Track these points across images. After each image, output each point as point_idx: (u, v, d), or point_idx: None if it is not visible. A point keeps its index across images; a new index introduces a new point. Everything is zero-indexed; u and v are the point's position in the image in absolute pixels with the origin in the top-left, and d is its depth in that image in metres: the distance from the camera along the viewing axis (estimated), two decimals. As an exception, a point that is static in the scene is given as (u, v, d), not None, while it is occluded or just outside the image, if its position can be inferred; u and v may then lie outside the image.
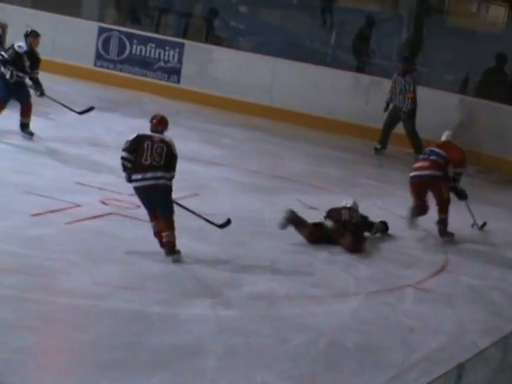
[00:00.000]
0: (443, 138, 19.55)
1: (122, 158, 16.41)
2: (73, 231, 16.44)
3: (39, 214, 16.84)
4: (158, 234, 16.16)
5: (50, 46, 24.51)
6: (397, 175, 23.27)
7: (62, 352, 12.82)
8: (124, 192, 18.23)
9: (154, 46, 26.98)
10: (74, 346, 12.67)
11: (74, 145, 21.76)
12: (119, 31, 27.31)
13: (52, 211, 17.10)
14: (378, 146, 25.21)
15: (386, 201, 21.18)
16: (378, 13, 29.88)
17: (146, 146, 16.45)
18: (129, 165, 16.35)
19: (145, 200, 16.51)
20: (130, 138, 16.47)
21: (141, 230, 16.92)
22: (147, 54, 27.29)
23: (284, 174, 22.23)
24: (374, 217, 19.01)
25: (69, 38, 26.77)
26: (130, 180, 16.48)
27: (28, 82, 21.74)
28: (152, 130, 16.79)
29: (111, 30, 27.35)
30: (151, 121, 17.10)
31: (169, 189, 16.45)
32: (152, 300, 14.35)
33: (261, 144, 24.57)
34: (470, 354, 11.08)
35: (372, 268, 16.84)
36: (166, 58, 26.86)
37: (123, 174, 16.97)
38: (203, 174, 20.90)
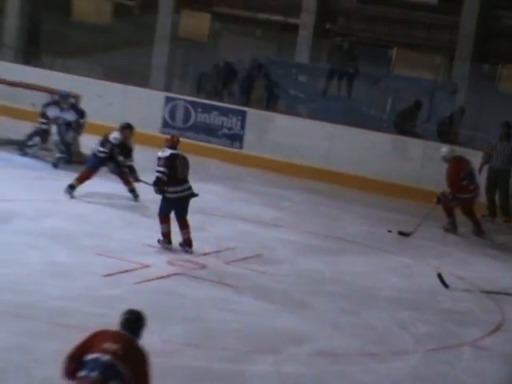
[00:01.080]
0: None
1: (161, 172, 18.61)
2: (141, 291, 16.45)
3: (110, 275, 16.90)
4: (166, 235, 18.79)
5: (119, 114, 24.51)
6: (455, 237, 23.33)
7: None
8: (193, 255, 18.46)
9: (217, 113, 27.07)
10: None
11: (142, 208, 22.10)
12: (185, 100, 27.42)
13: (122, 272, 17.17)
14: (489, 218, 24.72)
15: (441, 260, 20.63)
16: (431, 81, 29.59)
17: (178, 163, 18.80)
18: (165, 178, 18.62)
19: (177, 207, 18.93)
20: (164, 157, 18.80)
21: (206, 289, 16.98)
22: (211, 122, 27.29)
23: (342, 235, 22.12)
24: (429, 275, 19.06)
25: (137, 107, 26.92)
26: (161, 192, 18.79)
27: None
28: (173, 147, 19.29)
29: (177, 99, 27.46)
30: (170, 140, 20.05)
31: None
32: (218, 357, 14.31)
33: (319, 206, 24.55)
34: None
35: (429, 325, 16.73)
36: (229, 125, 26.94)
37: (199, 235, 18.89)
38: (265, 235, 20.92)
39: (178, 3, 29.38)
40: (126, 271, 17.21)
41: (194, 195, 19.36)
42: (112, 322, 15.08)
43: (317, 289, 17.70)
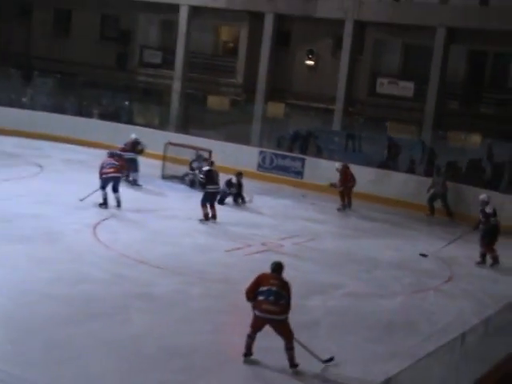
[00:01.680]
0: None
1: (202, 178, 20.29)
2: (248, 259, 16.77)
3: (228, 251, 17.26)
4: (205, 216, 19.56)
5: (234, 160, 24.72)
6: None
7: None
8: (276, 239, 18.55)
9: (289, 159, 26.82)
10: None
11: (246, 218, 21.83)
12: (270, 152, 27.37)
13: (236, 249, 17.49)
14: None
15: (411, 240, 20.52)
16: (409, 139, 28.39)
17: (214, 173, 20.18)
18: (205, 181, 19.97)
19: (210, 198, 19.86)
20: (205, 170, 20.32)
21: (283, 258, 17.09)
22: (285, 164, 26.81)
23: (358, 226, 21.73)
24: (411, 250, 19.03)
25: (243, 156, 26.76)
26: (204, 187, 20.03)
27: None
28: (210, 165, 20.75)
29: (265, 151, 27.42)
30: (209, 162, 21.53)
31: None
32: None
33: (347, 211, 24.07)
34: None
35: (410, 278, 16.81)
36: (295, 166, 26.71)
37: (278, 228, 19.39)
38: (317, 228, 20.79)
39: (266, 98, 29.26)
40: (239, 248, 17.57)
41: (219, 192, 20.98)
42: (232, 277, 15.51)
43: (345, 258, 17.93)
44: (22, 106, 30.77)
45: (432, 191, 23.72)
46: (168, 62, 31.41)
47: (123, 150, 23.24)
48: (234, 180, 22.55)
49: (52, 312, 12.39)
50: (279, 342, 11.23)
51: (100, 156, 27.05)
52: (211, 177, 20.16)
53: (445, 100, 27.40)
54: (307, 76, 30.39)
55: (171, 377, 10.61)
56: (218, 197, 21.04)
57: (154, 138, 25.04)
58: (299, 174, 26.77)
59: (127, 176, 22.89)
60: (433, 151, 26.17)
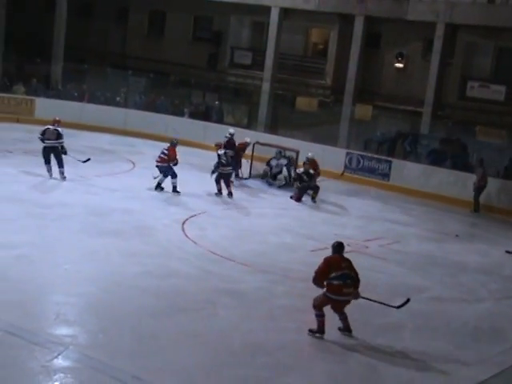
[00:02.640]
0: None
1: (221, 158, 21.82)
2: None
3: (313, 251, 17.17)
4: (219, 190, 21.54)
5: (321, 159, 24.20)
6: None
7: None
8: (361, 240, 18.47)
9: (375, 161, 26.58)
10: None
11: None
12: (357, 154, 27.20)
13: (321, 249, 17.36)
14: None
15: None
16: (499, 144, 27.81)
17: (227, 155, 22.02)
18: (225, 162, 21.69)
19: (225, 177, 21.62)
20: (221, 152, 21.90)
21: (368, 260, 17.02)
22: (372, 166, 26.58)
23: (446, 230, 21.27)
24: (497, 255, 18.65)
25: (330, 157, 26.57)
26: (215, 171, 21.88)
27: None
28: (226, 148, 22.59)
29: (352, 153, 27.30)
30: (222, 145, 22.81)
31: None
32: (374, 297, 14.56)
33: (431, 214, 23.68)
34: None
35: (497, 284, 16.50)
36: (382, 168, 26.45)
37: (363, 229, 19.51)
38: (402, 230, 20.57)
39: (354, 99, 29.15)
40: (324, 248, 17.45)
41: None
42: (310, 277, 15.35)
43: (430, 261, 17.70)
44: (116, 105, 31.30)
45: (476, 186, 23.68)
46: (258, 63, 31.54)
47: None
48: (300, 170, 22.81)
49: (141, 304, 12.60)
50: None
51: (189, 153, 27.55)
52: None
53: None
54: (396, 78, 30.15)
55: (255, 373, 10.64)
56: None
57: (242, 138, 25.08)
58: (386, 176, 26.52)
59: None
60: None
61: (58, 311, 11.86)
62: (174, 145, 21.43)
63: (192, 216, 18.91)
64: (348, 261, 12.19)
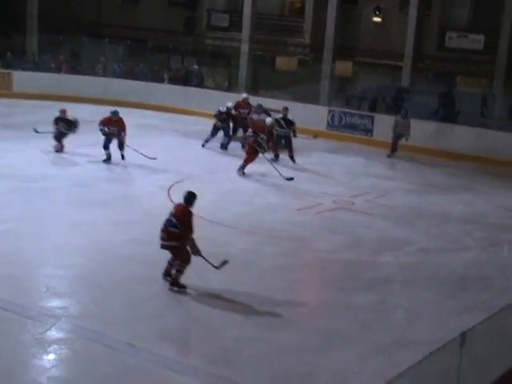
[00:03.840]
0: None
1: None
2: (319, 218, 16.80)
3: (301, 209, 17.26)
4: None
5: (303, 118, 24.03)
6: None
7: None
8: (347, 197, 18.49)
9: (357, 117, 26.65)
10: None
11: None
12: (339, 111, 27.19)
13: (308, 207, 17.49)
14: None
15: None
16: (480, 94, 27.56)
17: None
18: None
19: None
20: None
21: (354, 216, 17.20)
22: (354, 122, 26.67)
23: (430, 182, 21.53)
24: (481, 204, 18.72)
25: (313, 116, 26.59)
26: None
27: None
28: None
29: (334, 110, 27.27)
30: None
31: None
32: (363, 253, 14.62)
33: (417, 168, 23.78)
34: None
35: (482, 233, 16.55)
36: (365, 124, 26.50)
37: (349, 186, 19.45)
38: (386, 184, 20.62)
39: (334, 57, 29.06)
40: (310, 207, 17.55)
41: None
42: (300, 235, 15.47)
43: (416, 213, 17.78)
44: (95, 74, 31.07)
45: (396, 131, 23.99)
46: (235, 25, 31.37)
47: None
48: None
49: (129, 272, 12.63)
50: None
51: (171, 119, 27.43)
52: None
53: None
54: (375, 33, 30.06)
55: (247, 333, 10.71)
56: None
57: (223, 101, 24.96)
58: (369, 131, 26.54)
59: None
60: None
61: (48, 284, 11.89)
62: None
63: (177, 182, 18.86)
64: (178, 209, 11.99)
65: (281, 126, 21.80)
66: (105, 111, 27.55)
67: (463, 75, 27.83)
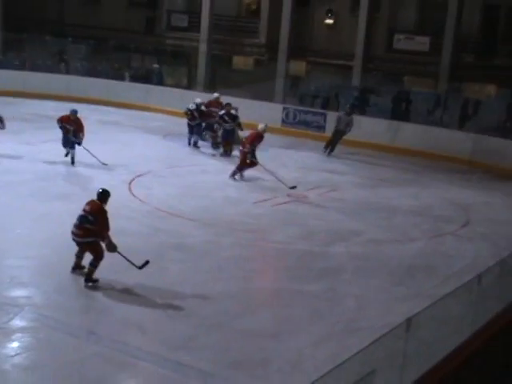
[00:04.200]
0: None
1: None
2: (275, 210, 16.85)
3: (257, 202, 17.30)
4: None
5: (259, 116, 23.84)
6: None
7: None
8: (300, 190, 18.50)
9: (311, 114, 26.58)
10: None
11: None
12: (293, 108, 27.22)
13: (263, 200, 17.53)
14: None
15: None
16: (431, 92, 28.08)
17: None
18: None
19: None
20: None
21: (308, 208, 17.25)
22: (308, 119, 26.61)
23: (382, 177, 21.64)
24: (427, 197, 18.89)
25: (268, 112, 26.40)
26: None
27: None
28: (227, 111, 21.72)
29: (289, 107, 27.29)
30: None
31: None
32: (315, 244, 14.63)
33: (367, 163, 23.76)
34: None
35: (428, 224, 16.78)
36: (318, 121, 26.50)
37: (302, 180, 18.82)
38: (338, 179, 20.67)
39: (288, 56, 29.01)
40: (265, 200, 17.59)
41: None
42: (257, 227, 15.47)
43: (366, 206, 17.92)
44: (58, 72, 30.76)
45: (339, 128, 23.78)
46: (194, 25, 31.25)
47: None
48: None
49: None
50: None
51: (132, 116, 27.28)
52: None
53: (460, 53, 26.86)
54: (327, 34, 30.19)
55: (206, 321, 10.71)
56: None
57: (183, 98, 24.93)
58: (321, 127, 26.55)
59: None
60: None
61: (11, 274, 11.74)
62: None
63: (138, 176, 18.81)
64: (93, 206, 11.60)
65: (225, 121, 21.88)
66: (67, 107, 27.52)
67: (410, 75, 28.02)
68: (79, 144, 19.03)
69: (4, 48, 31.76)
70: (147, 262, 11.76)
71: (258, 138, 19.23)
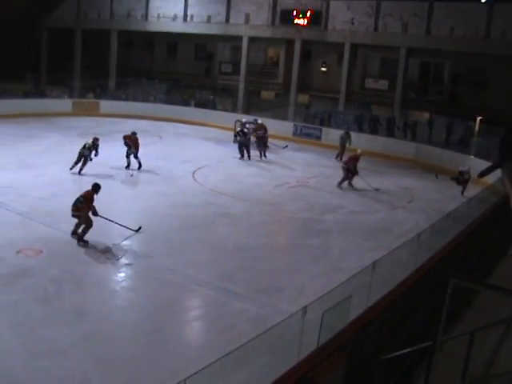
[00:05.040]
0: None
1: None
2: (288, 191, 16.62)
3: (277, 186, 17.12)
4: None
5: (277, 131, 23.50)
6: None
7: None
8: (305, 178, 18.29)
9: (311, 129, 26.06)
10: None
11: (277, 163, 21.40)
12: (300, 124, 26.77)
13: (280, 185, 17.33)
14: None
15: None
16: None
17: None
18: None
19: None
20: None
21: (310, 191, 16.88)
22: (309, 132, 26.01)
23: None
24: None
25: (282, 127, 26.12)
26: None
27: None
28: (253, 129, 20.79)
29: (297, 124, 26.91)
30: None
31: None
32: (305, 213, 14.37)
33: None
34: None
35: (387, 200, 16.39)
36: (316, 133, 25.95)
37: (306, 172, 18.45)
38: (330, 171, 20.52)
39: (297, 91, 28.65)
40: (281, 185, 17.41)
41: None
42: (276, 202, 15.24)
43: (347, 189, 17.37)
44: (149, 101, 30.90)
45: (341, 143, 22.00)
46: (236, 71, 31.02)
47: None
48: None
49: (170, 224, 12.64)
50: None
51: (195, 130, 27.20)
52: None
53: (406, 91, 26.51)
54: (322, 77, 29.67)
55: (240, 263, 10.71)
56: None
57: (228, 118, 24.77)
58: (318, 137, 26.15)
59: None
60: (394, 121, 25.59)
61: (119, 230, 11.83)
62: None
63: (199, 168, 18.78)
64: (85, 192, 11.08)
65: (239, 136, 20.77)
66: (153, 124, 27.60)
67: (375, 104, 27.61)
68: (133, 155, 17.30)
69: (116, 87, 32.12)
70: (140, 228, 11.49)
71: (355, 159, 17.39)
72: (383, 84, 27.45)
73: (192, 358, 7.18)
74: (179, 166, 18.80)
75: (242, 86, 30.08)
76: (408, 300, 7.11)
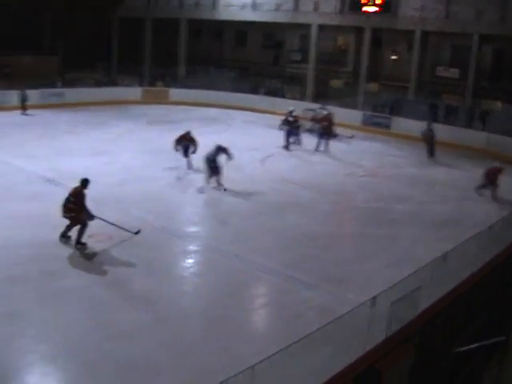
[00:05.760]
0: None
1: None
2: (356, 180, 16.11)
3: (347, 174, 16.77)
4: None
5: (345, 119, 23.15)
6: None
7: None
8: (373, 168, 17.79)
9: (381, 118, 25.49)
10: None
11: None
12: (369, 113, 26.24)
13: (349, 174, 16.92)
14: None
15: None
16: None
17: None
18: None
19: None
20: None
21: (377, 180, 16.51)
22: (378, 121, 25.45)
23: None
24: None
25: (352, 117, 25.83)
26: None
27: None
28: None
29: (366, 113, 26.38)
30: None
31: None
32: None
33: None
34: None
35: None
36: (385, 122, 25.44)
37: (374, 161, 17.41)
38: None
39: (367, 80, 28.06)
40: (351, 174, 17.04)
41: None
42: (344, 190, 14.91)
43: (416, 179, 16.96)
44: (218, 89, 30.98)
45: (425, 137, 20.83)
46: (305, 59, 30.77)
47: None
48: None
49: (237, 209, 12.64)
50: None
51: (263, 118, 27.20)
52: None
53: (479, 79, 25.45)
54: (392, 65, 28.96)
55: (307, 251, 10.67)
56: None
57: (297, 106, 24.62)
58: (387, 127, 25.48)
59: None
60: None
61: (188, 218, 12.11)
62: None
63: (267, 156, 18.78)
64: (75, 191, 9.89)
65: (288, 124, 20.23)
66: (223, 112, 27.80)
67: (445, 93, 26.65)
68: (193, 152, 15.89)
69: (186, 75, 32.49)
70: (139, 231, 10.53)
71: (497, 172, 15.44)
72: (454, 72, 26.47)
73: (259, 344, 7.20)
74: (247, 153, 18.86)
75: (310, 74, 29.78)
76: (477, 294, 6.89)
